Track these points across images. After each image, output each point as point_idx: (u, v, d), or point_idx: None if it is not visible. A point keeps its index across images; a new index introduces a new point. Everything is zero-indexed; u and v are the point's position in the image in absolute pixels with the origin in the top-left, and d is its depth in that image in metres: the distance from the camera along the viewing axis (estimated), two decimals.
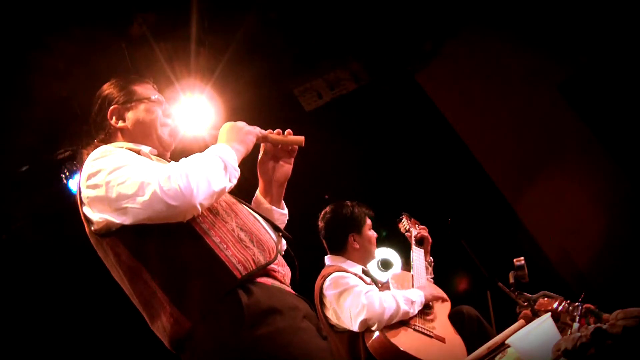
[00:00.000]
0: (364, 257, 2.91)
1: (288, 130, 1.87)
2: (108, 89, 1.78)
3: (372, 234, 2.96)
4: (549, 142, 4.46)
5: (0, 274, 4.22)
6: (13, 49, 3.46)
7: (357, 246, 2.89)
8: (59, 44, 3.55)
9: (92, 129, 1.79)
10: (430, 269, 3.00)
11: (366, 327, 2.51)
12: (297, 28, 4.13)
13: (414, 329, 2.53)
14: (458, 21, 4.54)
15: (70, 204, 4.33)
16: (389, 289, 2.70)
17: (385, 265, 3.40)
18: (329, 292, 2.62)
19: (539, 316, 1.97)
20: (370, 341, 2.47)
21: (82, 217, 1.59)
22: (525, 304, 2.14)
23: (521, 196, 4.57)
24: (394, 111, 4.72)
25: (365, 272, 2.85)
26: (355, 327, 2.51)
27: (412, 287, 2.75)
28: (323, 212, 3.00)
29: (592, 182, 4.33)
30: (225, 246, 1.51)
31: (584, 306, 1.88)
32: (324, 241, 2.97)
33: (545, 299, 2.06)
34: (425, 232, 3.06)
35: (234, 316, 1.43)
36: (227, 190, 1.56)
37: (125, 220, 1.45)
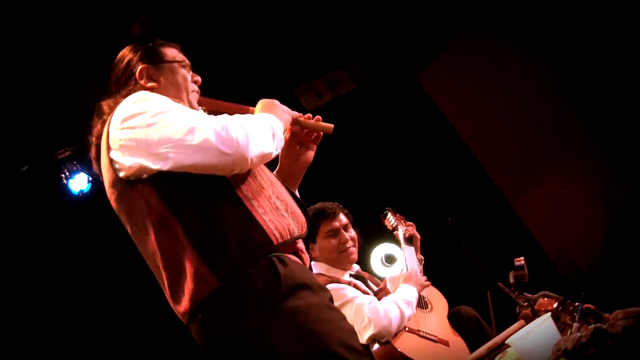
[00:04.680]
0: (337, 263, 2.75)
1: (317, 117, 1.84)
2: (135, 48, 1.71)
3: (330, 242, 2.73)
4: (548, 142, 4.46)
5: (0, 274, 4.22)
6: (14, 48, 3.46)
7: (315, 254, 2.77)
8: (60, 43, 3.55)
9: (114, 87, 1.70)
10: (421, 266, 2.88)
11: (375, 341, 2.42)
12: (297, 28, 4.13)
13: (419, 335, 2.49)
14: (458, 21, 4.54)
15: (70, 204, 4.37)
16: (389, 292, 2.64)
17: (390, 260, 3.39)
18: None
19: (539, 316, 1.97)
20: (376, 349, 2.41)
21: (108, 164, 1.49)
22: (525, 304, 2.14)
23: (521, 196, 4.57)
24: (394, 111, 4.71)
25: (354, 276, 2.77)
26: (363, 341, 2.42)
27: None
28: None
29: (592, 182, 4.33)
30: (262, 210, 1.47)
31: (584, 306, 1.87)
32: None
33: (545, 299, 2.05)
34: (413, 230, 2.94)
35: (269, 283, 1.38)
36: (271, 157, 1.54)
37: (164, 165, 1.39)
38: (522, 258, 2.22)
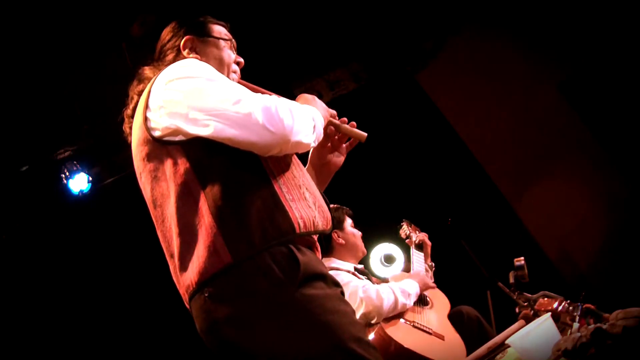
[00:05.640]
0: (352, 252, 2.93)
1: (352, 123, 1.82)
2: (184, 20, 1.72)
3: (355, 230, 3.00)
4: (549, 142, 4.46)
5: (0, 274, 4.22)
6: (15, 49, 3.46)
7: (342, 241, 2.93)
8: (60, 44, 3.55)
9: (157, 55, 1.70)
10: (431, 272, 3.00)
11: (366, 322, 2.50)
12: (298, 27, 4.13)
13: (414, 326, 2.53)
14: (458, 21, 4.54)
15: (70, 204, 4.37)
16: None
17: (389, 259, 3.41)
18: None
19: (539, 316, 1.97)
20: (369, 338, 2.45)
21: (142, 122, 1.46)
22: (525, 304, 2.14)
23: (521, 196, 4.57)
24: (394, 111, 4.71)
25: (358, 270, 2.84)
26: None
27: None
28: None
29: (592, 182, 4.33)
30: (291, 197, 1.44)
31: (584, 306, 1.88)
32: None
33: (545, 299, 2.06)
34: (425, 238, 3.09)
35: (287, 269, 1.34)
36: (308, 148, 1.53)
37: (202, 132, 1.37)
38: (522, 258, 2.23)
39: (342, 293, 1.47)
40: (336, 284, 1.46)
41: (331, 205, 2.93)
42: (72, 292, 4.43)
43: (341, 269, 2.76)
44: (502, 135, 4.61)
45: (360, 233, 3.02)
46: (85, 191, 4.31)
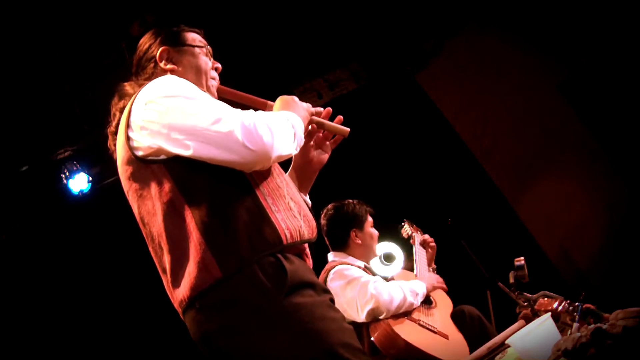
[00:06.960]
0: (365, 253, 2.93)
1: (339, 117, 1.82)
2: (158, 31, 1.70)
3: (374, 231, 2.98)
4: (548, 142, 4.46)
5: (0, 274, 4.23)
6: (14, 49, 3.46)
7: (359, 242, 2.91)
8: (60, 44, 3.55)
9: (135, 69, 1.69)
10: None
11: (373, 317, 2.52)
12: (297, 28, 4.13)
13: (419, 324, 2.56)
14: (458, 21, 4.54)
15: (70, 204, 4.37)
16: None
17: (388, 258, 3.41)
18: (334, 284, 2.62)
19: (539, 316, 1.97)
20: (376, 334, 2.49)
21: (124, 141, 1.47)
22: (525, 304, 2.14)
23: (521, 196, 4.57)
24: (394, 111, 4.71)
25: (367, 269, 2.86)
26: (362, 317, 2.52)
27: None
28: (325, 210, 3.00)
29: (592, 182, 4.32)
30: (276, 209, 1.45)
31: (584, 306, 1.88)
32: (326, 238, 2.98)
33: (545, 299, 2.06)
34: (430, 242, 3.09)
35: (275, 279, 1.36)
36: (290, 157, 1.53)
37: (183, 152, 1.37)
38: (522, 258, 2.23)
39: (332, 300, 1.48)
40: (325, 291, 1.47)
41: (354, 201, 2.98)
42: (72, 292, 4.44)
43: (353, 265, 2.78)
44: (502, 136, 4.61)
45: (377, 233, 2.99)
46: (85, 191, 4.31)
